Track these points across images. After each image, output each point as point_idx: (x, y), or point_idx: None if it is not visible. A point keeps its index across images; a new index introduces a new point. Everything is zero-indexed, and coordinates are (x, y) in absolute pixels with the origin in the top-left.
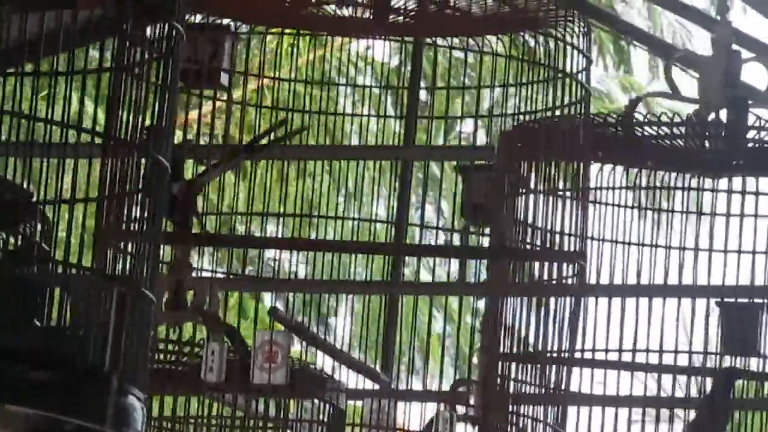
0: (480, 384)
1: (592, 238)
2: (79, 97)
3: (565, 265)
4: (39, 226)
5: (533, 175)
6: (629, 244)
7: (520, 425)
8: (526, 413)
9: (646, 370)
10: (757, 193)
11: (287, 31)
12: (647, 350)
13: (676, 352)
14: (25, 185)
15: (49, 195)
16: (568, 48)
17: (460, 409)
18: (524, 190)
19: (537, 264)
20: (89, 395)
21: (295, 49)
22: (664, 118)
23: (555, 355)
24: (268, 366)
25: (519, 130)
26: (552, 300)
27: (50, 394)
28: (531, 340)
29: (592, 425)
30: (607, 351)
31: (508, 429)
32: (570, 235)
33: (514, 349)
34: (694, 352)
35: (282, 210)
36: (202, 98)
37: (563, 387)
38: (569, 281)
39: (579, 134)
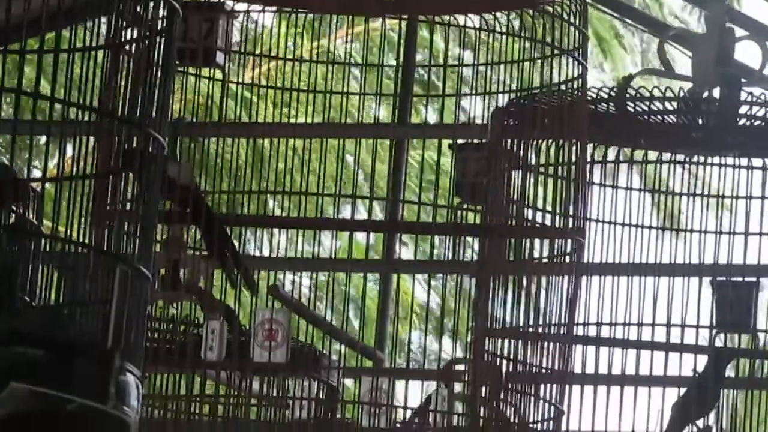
0: (473, 362)
1: (589, 219)
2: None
3: (562, 242)
4: (30, 204)
5: (528, 152)
6: (624, 224)
7: (511, 403)
8: (518, 390)
9: (639, 347)
10: (749, 168)
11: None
12: (639, 324)
13: (668, 325)
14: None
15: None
16: (565, 24)
17: (456, 387)
18: (518, 168)
19: (533, 241)
20: (90, 373)
21: (289, 28)
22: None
23: (548, 331)
24: (268, 344)
25: (513, 108)
26: (548, 277)
27: (51, 372)
28: (523, 317)
29: (584, 401)
30: (599, 325)
31: (500, 406)
32: (561, 214)
33: (506, 326)
34: (687, 326)
35: (276, 188)
36: (198, 77)
37: (558, 364)
38: (566, 259)
39: (574, 111)
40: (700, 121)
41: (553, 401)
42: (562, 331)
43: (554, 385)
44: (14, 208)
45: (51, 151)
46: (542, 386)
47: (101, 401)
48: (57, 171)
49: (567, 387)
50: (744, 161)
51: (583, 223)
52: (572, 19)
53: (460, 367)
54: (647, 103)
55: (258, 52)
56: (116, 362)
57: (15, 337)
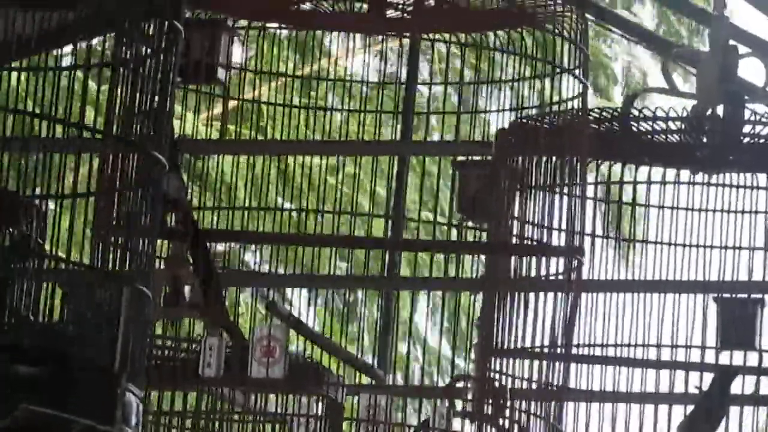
0: (476, 379)
1: (593, 235)
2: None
3: (562, 260)
4: (34, 223)
5: (530, 170)
6: (630, 240)
7: (516, 420)
8: (521, 408)
9: (644, 365)
10: (755, 188)
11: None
12: (645, 345)
13: (674, 346)
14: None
15: (45, 190)
16: (565, 43)
17: (458, 405)
18: (520, 186)
19: (534, 259)
20: (97, 395)
21: (289, 45)
22: (659, 113)
23: (551, 350)
24: (266, 360)
25: (516, 126)
26: (549, 295)
27: (58, 392)
28: (527, 335)
29: (590, 421)
30: (604, 346)
31: (504, 424)
32: (563, 230)
33: (510, 345)
34: (693, 346)
35: (278, 205)
36: (199, 93)
37: (560, 382)
38: (567, 276)
39: (576, 130)
40: (705, 140)
41: (552, 419)
42: (563, 349)
43: (552, 404)
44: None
45: (54, 170)
46: (542, 404)
47: (108, 423)
48: (58, 188)
49: (565, 405)
50: (748, 177)
51: (582, 241)
52: (573, 38)
53: (462, 384)
54: (651, 122)
55: (259, 69)
56: (123, 384)
57: (16, 354)
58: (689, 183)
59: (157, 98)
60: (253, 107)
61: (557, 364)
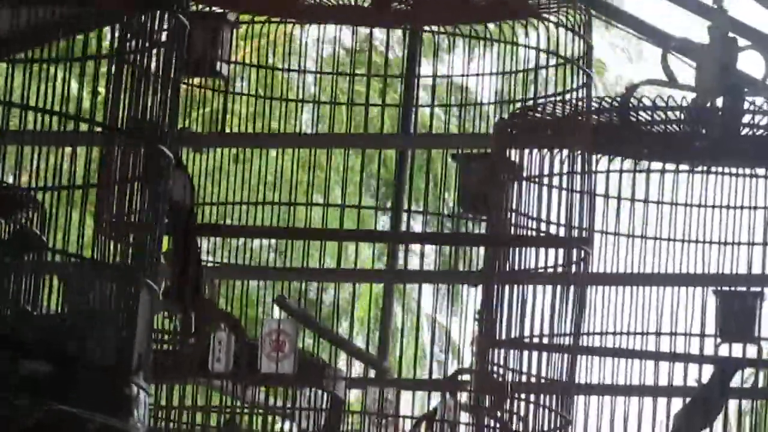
0: (477, 371)
1: (594, 230)
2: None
3: (568, 251)
4: (34, 215)
5: (530, 161)
6: (629, 236)
7: (515, 412)
8: (522, 399)
9: (644, 357)
10: (753, 176)
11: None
12: (644, 333)
13: (673, 334)
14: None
15: (47, 183)
16: (569, 34)
17: (462, 397)
18: (521, 178)
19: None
20: (112, 391)
21: (292, 38)
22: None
23: (552, 341)
24: (275, 355)
25: (515, 117)
26: (549, 287)
27: (70, 389)
28: (528, 326)
29: (589, 411)
30: (604, 334)
31: (504, 416)
32: (563, 225)
33: (512, 337)
34: (692, 335)
35: (279, 199)
36: (201, 87)
37: (563, 374)
38: (573, 268)
39: (579, 121)
40: (704, 131)
41: (560, 411)
42: (567, 342)
43: (560, 395)
44: (18, 218)
45: (54, 162)
46: (547, 396)
47: (122, 419)
48: (53, 180)
49: (572, 397)
50: (747, 171)
51: (590, 232)
52: (576, 29)
53: (465, 377)
54: (650, 113)
55: (261, 62)
56: (136, 381)
57: (27, 351)
58: (689, 171)
59: (163, 91)
60: (255, 100)
61: (558, 356)
